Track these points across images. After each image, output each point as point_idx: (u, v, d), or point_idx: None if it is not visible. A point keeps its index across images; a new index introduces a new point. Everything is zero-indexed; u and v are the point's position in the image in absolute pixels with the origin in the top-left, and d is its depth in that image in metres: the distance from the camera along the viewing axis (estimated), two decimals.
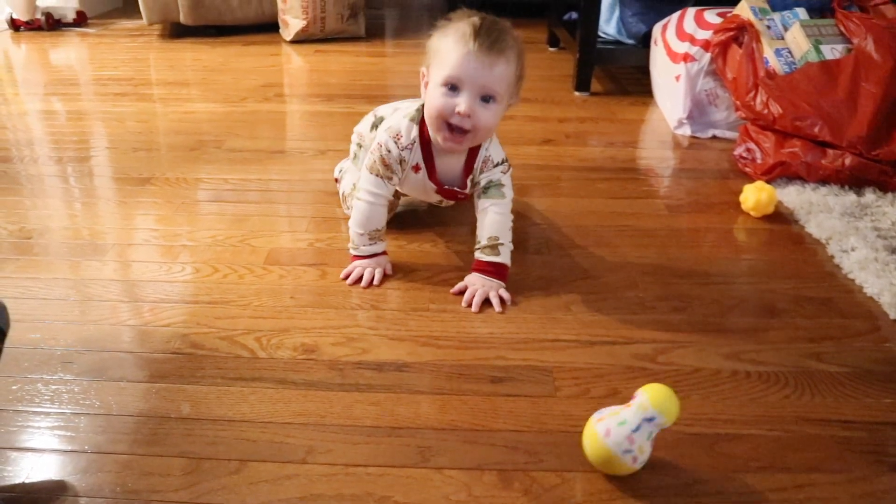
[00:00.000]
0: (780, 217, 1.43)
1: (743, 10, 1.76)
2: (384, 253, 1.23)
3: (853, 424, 0.90)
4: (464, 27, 1.08)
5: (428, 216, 1.42)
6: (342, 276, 1.21)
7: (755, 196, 1.41)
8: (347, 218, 1.28)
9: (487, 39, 1.06)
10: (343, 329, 1.07)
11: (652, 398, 0.79)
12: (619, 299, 1.16)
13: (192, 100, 2.16)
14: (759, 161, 1.60)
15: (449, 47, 1.08)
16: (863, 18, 1.61)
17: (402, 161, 1.18)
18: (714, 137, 1.85)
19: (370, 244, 1.21)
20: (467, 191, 1.22)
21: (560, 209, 1.46)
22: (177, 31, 2.96)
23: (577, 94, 2.21)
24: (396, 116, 1.21)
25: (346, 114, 1.98)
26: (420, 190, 1.25)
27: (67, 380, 0.96)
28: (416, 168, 1.19)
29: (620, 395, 0.94)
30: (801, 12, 1.72)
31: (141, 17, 2.86)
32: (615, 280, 1.21)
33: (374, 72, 2.50)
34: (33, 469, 0.82)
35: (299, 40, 2.83)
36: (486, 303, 1.14)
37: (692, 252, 1.31)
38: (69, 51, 2.76)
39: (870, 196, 1.47)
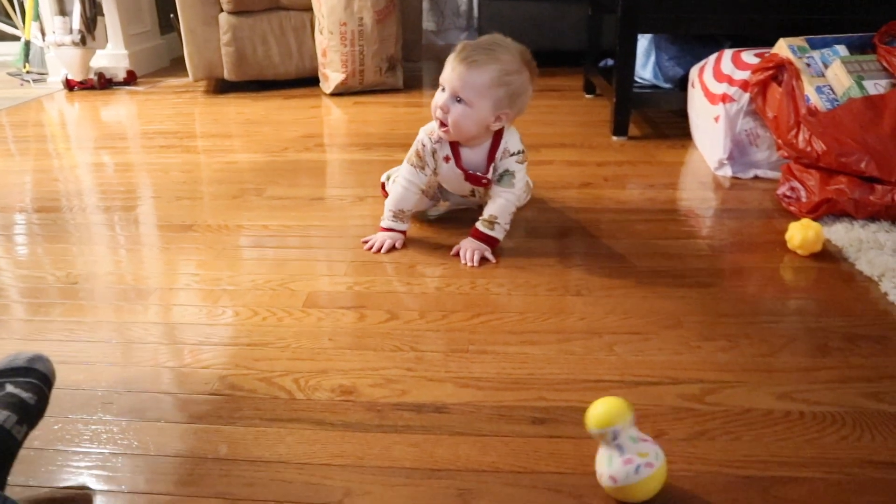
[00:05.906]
0: (828, 255, 1.39)
1: (781, 49, 1.75)
2: (403, 232, 1.47)
3: None
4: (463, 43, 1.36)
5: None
6: (362, 241, 1.47)
7: (802, 234, 1.37)
8: (385, 262, 1.38)
9: (468, 55, 1.32)
10: (381, 371, 1.06)
11: (590, 423, 0.81)
12: (663, 339, 1.13)
13: (235, 151, 2.21)
14: (803, 199, 1.56)
15: (449, 58, 1.37)
16: None
17: (434, 153, 1.43)
18: (756, 177, 1.82)
19: (393, 221, 1.46)
20: (490, 176, 1.44)
21: (600, 250, 1.44)
22: (221, 87, 3.05)
23: (615, 138, 2.20)
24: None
25: (384, 162, 2.00)
26: (453, 178, 1.48)
27: (107, 420, 0.96)
28: (447, 158, 1.44)
29: (667, 437, 0.91)
30: (842, 49, 1.70)
31: (187, 76, 2.96)
32: (659, 320, 1.18)
33: (412, 121, 2.53)
34: None
35: (339, 93, 2.89)
36: (520, 343, 1.12)
37: (737, 291, 1.27)
38: (119, 108, 2.86)
39: None
